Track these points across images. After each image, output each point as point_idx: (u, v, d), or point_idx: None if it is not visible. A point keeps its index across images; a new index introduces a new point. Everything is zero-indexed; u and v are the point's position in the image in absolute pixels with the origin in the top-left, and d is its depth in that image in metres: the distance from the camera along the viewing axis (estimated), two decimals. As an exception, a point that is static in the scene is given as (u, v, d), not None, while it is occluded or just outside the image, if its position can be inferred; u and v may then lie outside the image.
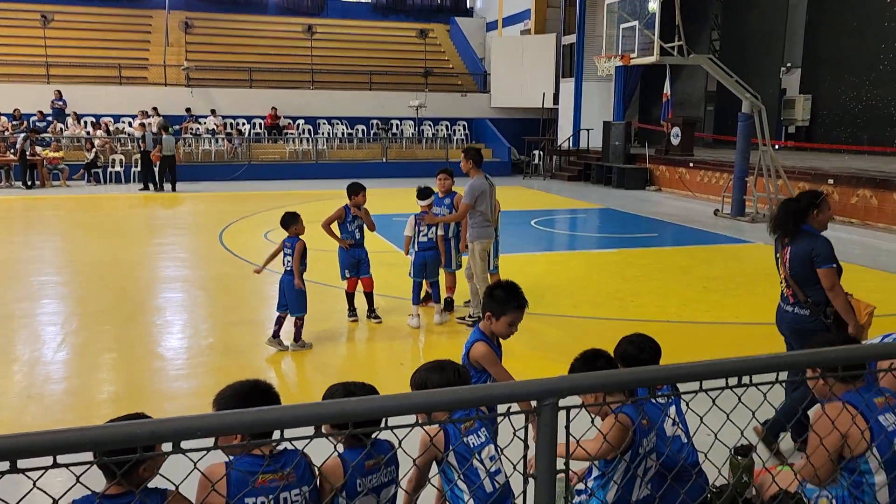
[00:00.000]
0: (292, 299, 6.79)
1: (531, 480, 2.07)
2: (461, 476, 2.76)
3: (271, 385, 2.71)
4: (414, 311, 7.77)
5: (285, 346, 6.90)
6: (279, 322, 6.89)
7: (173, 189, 20.10)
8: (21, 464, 1.61)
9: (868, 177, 14.62)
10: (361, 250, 7.77)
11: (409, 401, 2.00)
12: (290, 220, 6.90)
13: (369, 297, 7.83)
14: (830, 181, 15.26)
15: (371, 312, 7.86)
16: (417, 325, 7.71)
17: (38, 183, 19.95)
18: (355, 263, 7.72)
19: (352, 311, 7.87)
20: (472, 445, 2.80)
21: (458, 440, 2.80)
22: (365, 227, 7.78)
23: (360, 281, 7.80)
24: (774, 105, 21.26)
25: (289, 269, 6.80)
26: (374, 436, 2.72)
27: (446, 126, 27.75)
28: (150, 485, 2.31)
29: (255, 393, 2.58)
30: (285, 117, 25.90)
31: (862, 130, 20.26)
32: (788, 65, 22.59)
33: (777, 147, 18.52)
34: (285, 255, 6.85)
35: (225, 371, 6.24)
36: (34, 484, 1.66)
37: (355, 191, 7.65)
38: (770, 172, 15.13)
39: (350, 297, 7.87)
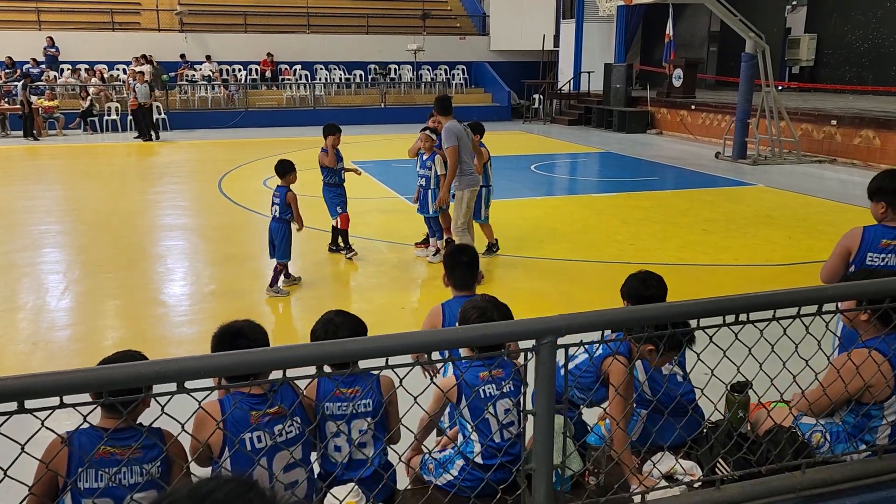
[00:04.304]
0: (279, 246, 6.96)
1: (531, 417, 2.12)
2: (474, 428, 2.77)
3: (255, 326, 2.78)
4: (441, 247, 8.08)
5: (286, 290, 7.09)
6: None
7: (156, 137, 19.35)
8: (28, 404, 1.64)
9: (871, 117, 14.48)
10: (343, 189, 8.16)
11: (411, 340, 2.03)
12: (285, 169, 7.04)
13: (337, 233, 8.22)
14: (833, 122, 15.11)
15: (335, 246, 8.30)
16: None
17: (34, 132, 19.74)
18: (345, 200, 8.09)
19: (349, 248, 8.15)
20: (487, 395, 2.77)
21: (471, 393, 2.75)
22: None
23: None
24: (779, 45, 20.88)
25: (275, 215, 6.95)
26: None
27: (445, 70, 27.32)
28: (148, 423, 2.36)
29: (229, 336, 2.68)
30: (282, 63, 25.49)
31: (867, 70, 19.95)
32: (794, 3, 22.09)
33: (780, 88, 18.25)
34: (273, 203, 7.01)
35: (227, 317, 6.27)
36: (42, 423, 1.69)
37: (330, 131, 8.01)
38: (773, 114, 14.97)
39: (345, 233, 8.11)
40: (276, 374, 1.94)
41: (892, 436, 2.83)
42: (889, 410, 2.81)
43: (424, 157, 7.99)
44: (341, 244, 8.24)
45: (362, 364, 1.99)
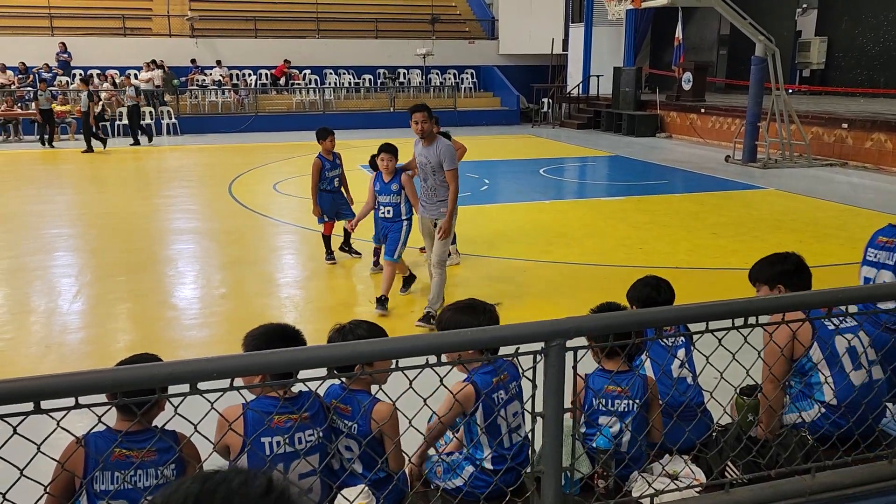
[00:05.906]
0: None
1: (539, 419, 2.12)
2: (484, 432, 2.77)
3: (299, 330, 2.76)
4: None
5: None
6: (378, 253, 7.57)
7: (103, 146, 18.28)
8: (44, 405, 1.66)
9: (883, 120, 14.39)
10: (339, 196, 8.13)
11: (420, 342, 2.04)
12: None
13: (347, 234, 8.30)
14: (844, 125, 15.04)
15: (348, 247, 8.38)
16: None
17: (51, 140, 19.88)
18: (335, 209, 8.11)
19: (329, 253, 8.21)
20: (498, 401, 2.78)
21: (487, 400, 2.74)
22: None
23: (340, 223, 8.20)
24: (789, 48, 20.80)
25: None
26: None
27: (454, 74, 27.37)
28: (164, 426, 2.39)
29: (279, 336, 2.66)
30: (292, 67, 25.61)
31: (879, 73, 19.84)
32: (804, 6, 22.01)
33: (791, 91, 18.19)
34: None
35: (238, 320, 6.33)
36: (58, 424, 1.72)
37: (322, 136, 8.04)
38: (783, 117, 14.91)
39: (327, 240, 8.21)
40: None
41: (839, 394, 2.87)
42: (816, 360, 2.93)
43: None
44: (351, 244, 8.35)
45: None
